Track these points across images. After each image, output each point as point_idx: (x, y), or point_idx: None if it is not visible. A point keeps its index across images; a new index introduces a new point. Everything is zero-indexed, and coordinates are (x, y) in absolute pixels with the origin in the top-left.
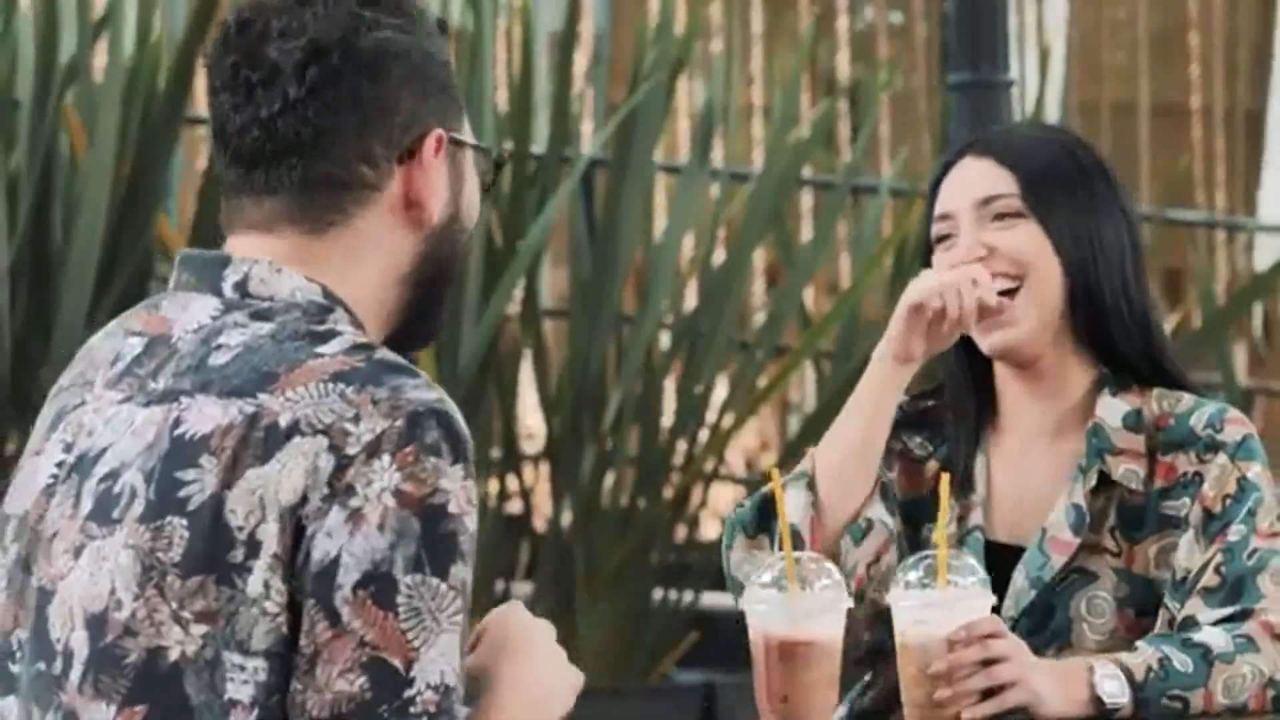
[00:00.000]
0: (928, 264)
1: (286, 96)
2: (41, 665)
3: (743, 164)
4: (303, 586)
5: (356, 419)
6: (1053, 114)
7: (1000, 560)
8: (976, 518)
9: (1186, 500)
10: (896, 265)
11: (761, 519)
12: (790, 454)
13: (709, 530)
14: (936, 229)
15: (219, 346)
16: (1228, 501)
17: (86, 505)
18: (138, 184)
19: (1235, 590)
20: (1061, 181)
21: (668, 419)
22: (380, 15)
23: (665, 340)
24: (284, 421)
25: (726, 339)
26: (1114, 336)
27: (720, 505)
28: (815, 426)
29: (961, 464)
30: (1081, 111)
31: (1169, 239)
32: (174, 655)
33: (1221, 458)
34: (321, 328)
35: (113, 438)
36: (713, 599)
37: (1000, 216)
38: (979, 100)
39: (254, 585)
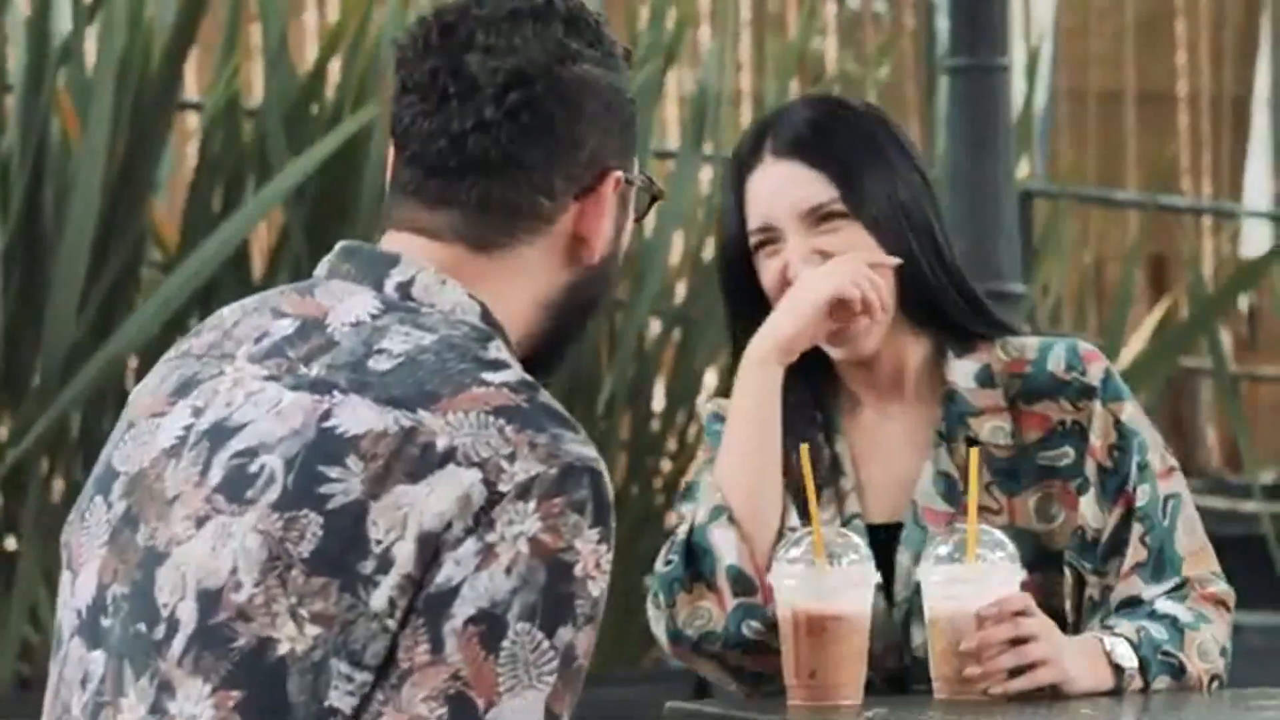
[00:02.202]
0: (739, 264)
1: (482, 115)
2: (142, 626)
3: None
4: (414, 603)
5: (513, 458)
6: (1040, 101)
7: (881, 541)
8: (853, 504)
9: (1069, 449)
10: None
11: (692, 569)
12: None
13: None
14: (756, 237)
15: (380, 351)
16: (1115, 453)
17: (215, 476)
18: (130, 169)
19: (1159, 560)
20: (866, 168)
21: (660, 405)
22: (584, 47)
23: (658, 326)
24: (441, 445)
25: (719, 324)
26: (944, 306)
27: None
28: None
29: (824, 452)
30: (1068, 98)
31: (1156, 226)
32: (283, 650)
33: (1096, 405)
34: (487, 355)
35: (254, 414)
36: None
37: (825, 219)
38: (977, 84)
39: (378, 600)
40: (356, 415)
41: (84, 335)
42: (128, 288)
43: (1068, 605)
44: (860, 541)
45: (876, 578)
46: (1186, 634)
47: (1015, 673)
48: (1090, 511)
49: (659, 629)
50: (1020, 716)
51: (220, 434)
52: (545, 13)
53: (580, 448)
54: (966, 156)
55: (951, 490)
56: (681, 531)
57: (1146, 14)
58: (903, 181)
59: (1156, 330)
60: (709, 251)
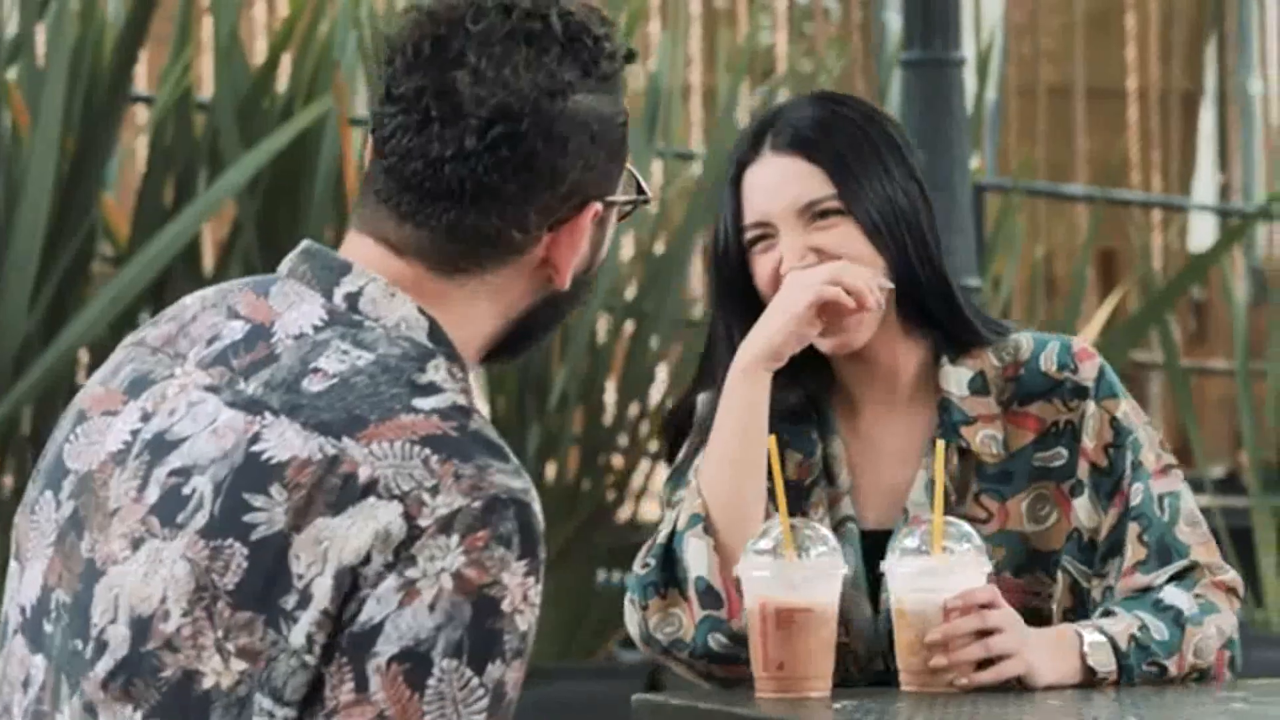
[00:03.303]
0: (733, 262)
1: (462, 145)
2: (78, 643)
3: (680, 144)
4: (338, 641)
5: (435, 490)
6: (991, 95)
7: (874, 549)
8: (846, 507)
9: (1061, 450)
10: None
11: (667, 574)
12: None
13: (653, 511)
14: (752, 233)
15: (316, 370)
16: (1110, 452)
17: (153, 494)
18: (81, 163)
19: (1163, 553)
20: (865, 168)
21: (612, 400)
22: (577, 76)
23: (610, 321)
24: (363, 476)
25: (671, 320)
26: (933, 309)
27: (658, 486)
28: None
29: (819, 454)
30: (1018, 93)
31: (1105, 220)
32: (208, 684)
33: (1090, 405)
34: (422, 378)
35: (193, 429)
36: None
37: (821, 215)
38: (931, 78)
39: (297, 636)
40: (283, 440)
41: (35, 330)
42: (79, 282)
43: (1054, 608)
44: (828, 533)
45: (845, 569)
46: (1188, 630)
47: (982, 665)
48: (1085, 513)
49: (632, 627)
50: (987, 708)
51: (161, 447)
52: (541, 36)
53: (507, 479)
54: (921, 151)
55: (943, 499)
56: (662, 534)
57: (1096, 9)
58: (900, 185)
59: (1107, 324)
60: (660, 246)
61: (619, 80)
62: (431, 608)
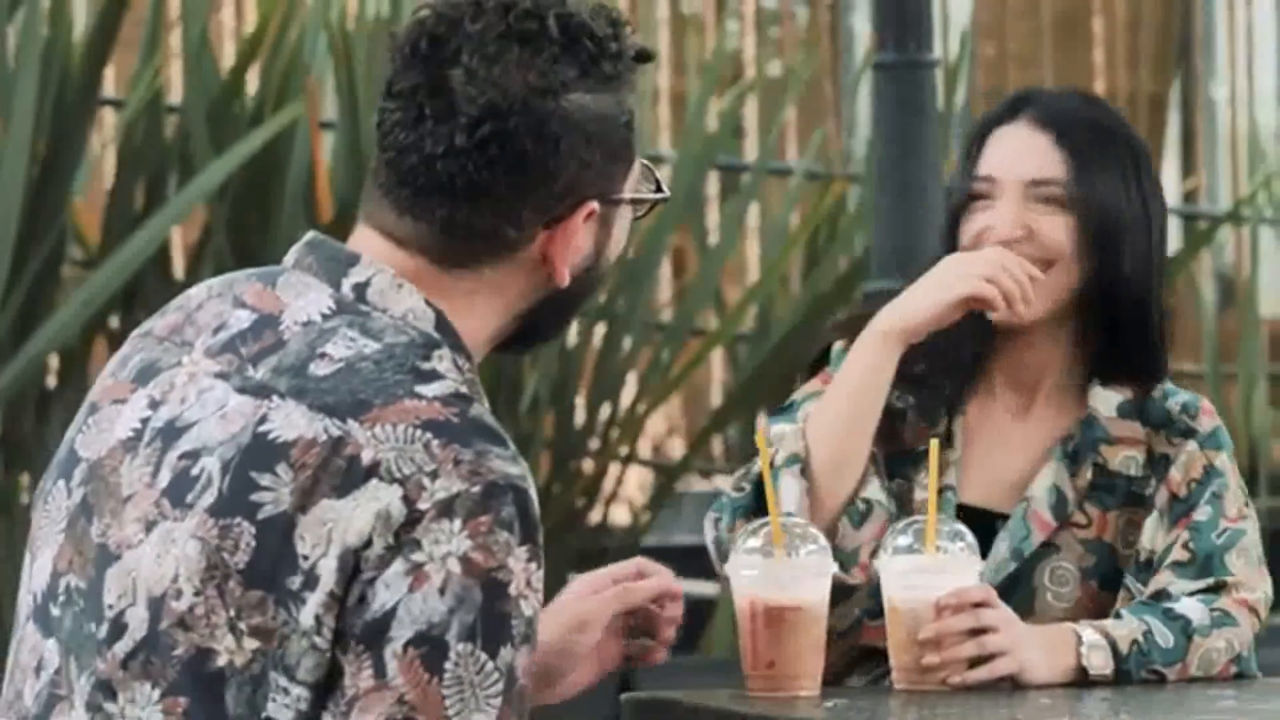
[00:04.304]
0: (958, 217)
1: (453, 142)
2: (91, 626)
3: (648, 148)
4: (352, 629)
5: (435, 475)
6: (959, 99)
7: (968, 523)
8: (950, 478)
9: (1153, 479)
10: (810, 249)
11: (760, 506)
12: (701, 439)
13: (623, 515)
14: (978, 186)
15: (323, 355)
16: (1193, 485)
17: (164, 479)
18: (51, 167)
19: (1205, 566)
20: (1107, 174)
21: (583, 403)
22: (575, 75)
23: (581, 325)
24: (366, 458)
25: (642, 324)
26: (1125, 331)
27: (630, 490)
28: (726, 412)
29: (944, 422)
30: (986, 97)
31: None
32: (221, 661)
33: (1192, 445)
34: (426, 365)
35: (201, 414)
36: None
37: (1045, 200)
38: (905, 80)
39: (306, 617)
40: (289, 420)
41: (4, 334)
42: (49, 286)
43: None
44: (818, 532)
45: (834, 568)
46: (1194, 640)
47: (974, 663)
48: (1149, 533)
49: (711, 542)
50: (978, 706)
51: (172, 433)
52: (537, 36)
53: (506, 465)
54: (894, 153)
55: (1061, 506)
56: (757, 466)
57: (1064, 13)
58: (1139, 202)
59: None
60: (631, 249)
61: (624, 80)
62: (442, 591)
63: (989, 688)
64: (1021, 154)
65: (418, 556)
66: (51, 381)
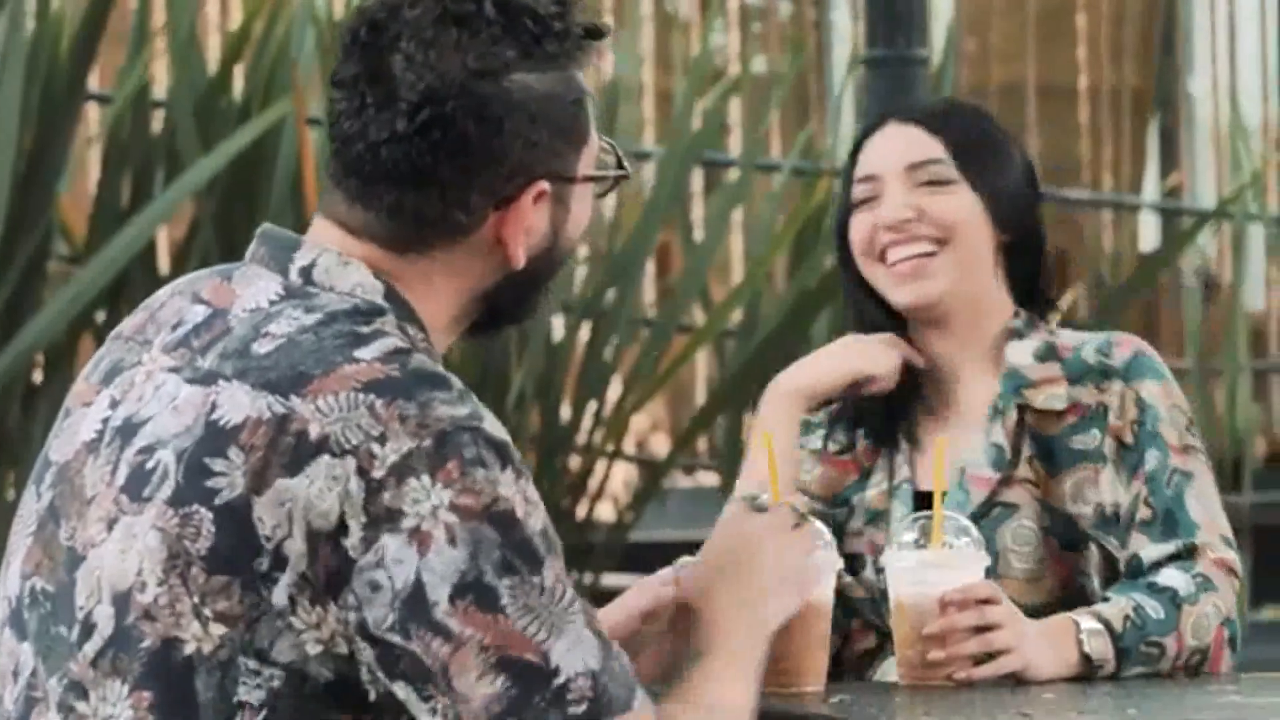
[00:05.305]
0: (844, 229)
1: (395, 128)
2: (62, 629)
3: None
4: (391, 621)
5: (383, 438)
6: (946, 93)
7: (926, 509)
8: (904, 471)
9: (1096, 433)
10: (796, 245)
11: None
12: (686, 436)
13: (609, 511)
14: (859, 191)
15: (266, 334)
16: (1135, 428)
17: (122, 475)
18: (38, 162)
19: (1169, 522)
20: (986, 145)
21: (569, 400)
22: (517, 55)
23: (567, 321)
24: (314, 434)
25: (628, 320)
26: (1041, 284)
27: (616, 486)
28: (712, 409)
29: (884, 429)
30: (970, 92)
31: (1056, 220)
32: (189, 650)
33: (1117, 384)
34: (367, 329)
35: (156, 409)
36: (614, 579)
37: (931, 183)
38: (895, 75)
39: (279, 598)
40: (235, 402)
41: None
42: (35, 282)
43: (1096, 583)
44: (823, 528)
45: (839, 564)
46: (1184, 609)
47: (979, 660)
48: (1108, 487)
49: None
50: (983, 702)
51: (129, 431)
52: (474, 18)
53: (452, 409)
54: None
55: (999, 458)
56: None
57: (1047, 8)
58: (1020, 169)
59: (1060, 325)
60: (617, 245)
61: (571, 59)
62: (452, 542)
63: (993, 683)
64: (896, 146)
65: (407, 522)
66: (37, 377)
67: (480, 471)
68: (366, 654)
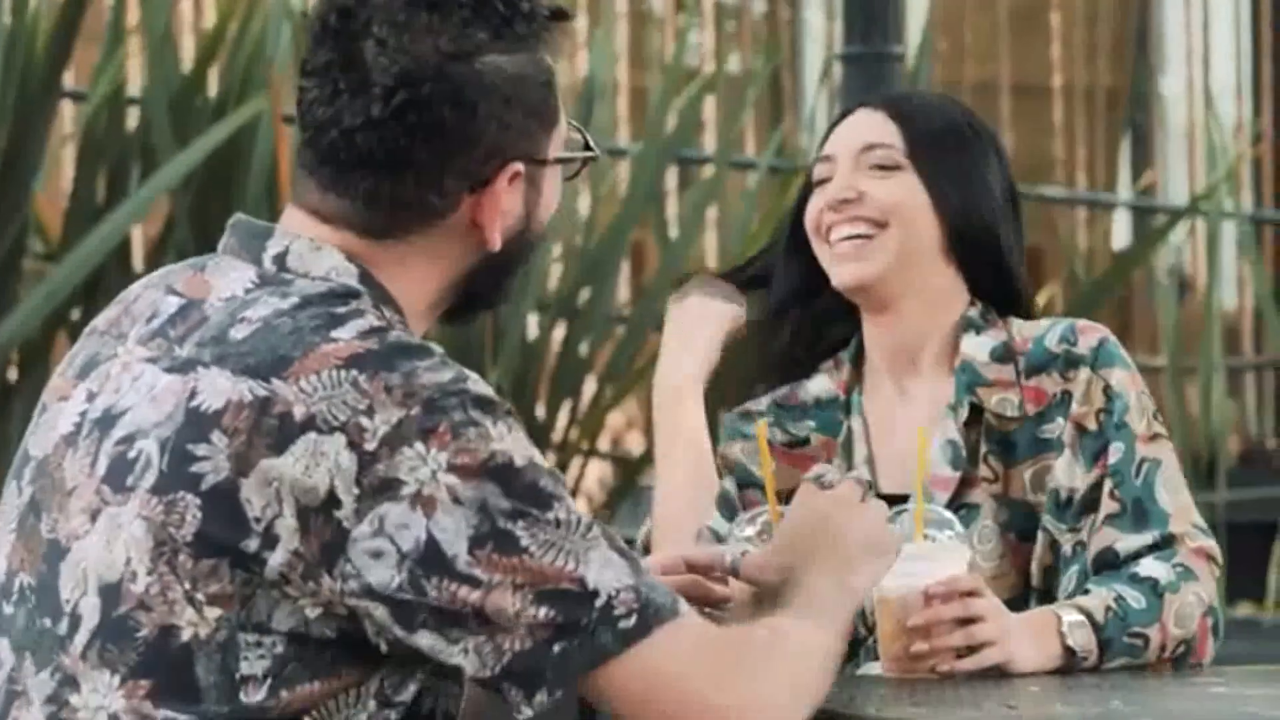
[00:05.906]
0: (803, 205)
1: (370, 114)
2: (47, 622)
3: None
4: (410, 584)
5: (370, 412)
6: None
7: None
8: (864, 475)
9: (1060, 421)
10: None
11: None
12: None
13: (585, 508)
14: (817, 171)
15: (242, 320)
16: (1100, 416)
17: (102, 466)
18: (13, 159)
19: (1140, 514)
20: (948, 139)
21: (544, 398)
22: (488, 37)
23: (542, 319)
24: (299, 414)
25: (603, 318)
26: (1016, 285)
27: (591, 484)
28: None
29: (845, 425)
30: (944, 89)
31: (1031, 218)
32: (186, 636)
33: (1084, 372)
34: (343, 309)
35: (134, 399)
36: None
37: (879, 166)
38: (871, 71)
39: (271, 573)
40: (215, 387)
41: None
42: (10, 280)
43: (1035, 567)
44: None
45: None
46: (1166, 598)
47: (963, 653)
48: (1063, 471)
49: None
50: (968, 694)
51: (107, 422)
52: (445, 1)
53: (436, 375)
54: None
55: (956, 457)
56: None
57: (1021, 6)
58: (986, 164)
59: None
60: (591, 242)
61: (539, 40)
62: (458, 501)
63: (978, 676)
64: (856, 130)
65: (407, 490)
66: (13, 375)
67: (472, 430)
68: (379, 612)
